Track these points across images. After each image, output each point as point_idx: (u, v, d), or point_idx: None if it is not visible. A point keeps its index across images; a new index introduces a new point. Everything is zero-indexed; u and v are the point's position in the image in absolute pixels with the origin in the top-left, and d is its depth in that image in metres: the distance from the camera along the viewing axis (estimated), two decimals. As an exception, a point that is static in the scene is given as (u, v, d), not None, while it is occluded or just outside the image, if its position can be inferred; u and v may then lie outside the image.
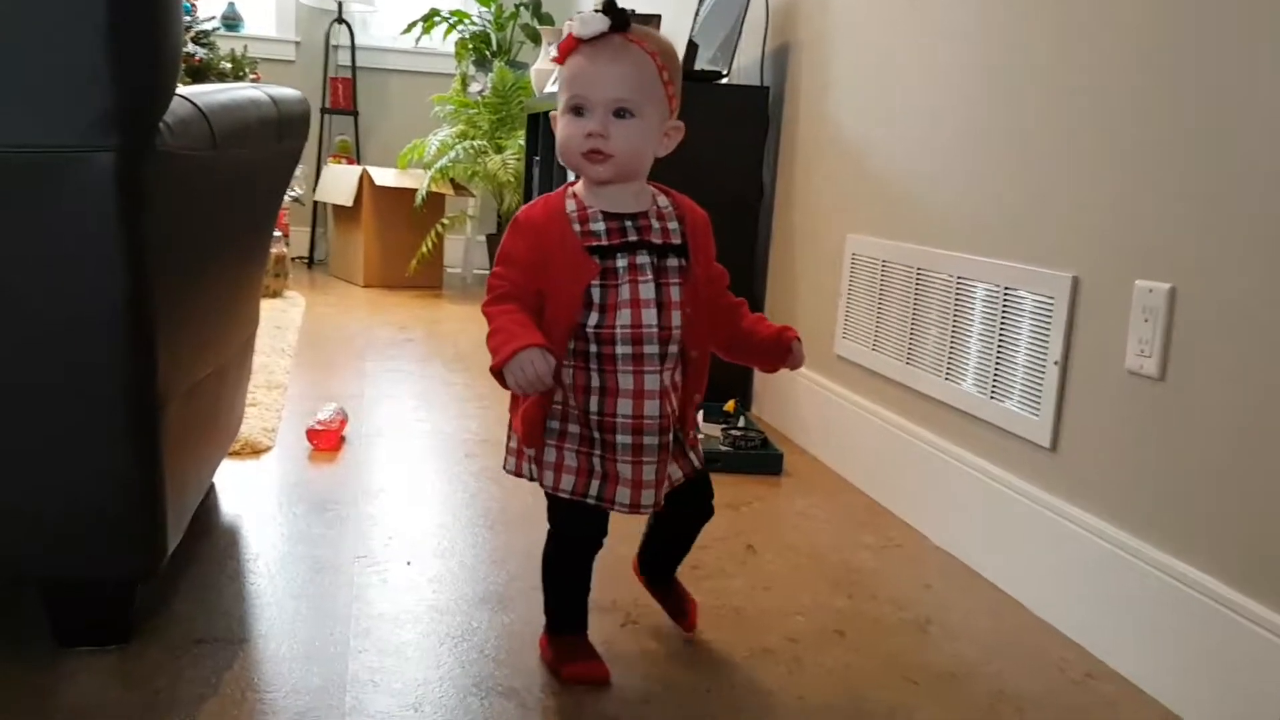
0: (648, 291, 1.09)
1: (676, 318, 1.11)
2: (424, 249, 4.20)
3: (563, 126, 1.10)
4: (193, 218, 1.22)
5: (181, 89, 1.21)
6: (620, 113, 1.07)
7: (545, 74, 3.67)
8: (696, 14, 2.83)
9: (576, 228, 1.10)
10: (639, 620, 1.33)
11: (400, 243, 4.34)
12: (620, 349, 1.09)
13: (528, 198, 3.80)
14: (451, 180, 4.28)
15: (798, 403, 2.28)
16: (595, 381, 1.10)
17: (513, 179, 4.16)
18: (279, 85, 1.65)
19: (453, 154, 4.15)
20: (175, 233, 1.15)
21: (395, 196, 4.32)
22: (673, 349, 1.12)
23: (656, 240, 1.11)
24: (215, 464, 1.57)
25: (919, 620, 1.41)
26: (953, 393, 1.70)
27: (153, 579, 1.24)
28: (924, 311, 1.80)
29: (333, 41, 4.87)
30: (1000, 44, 1.63)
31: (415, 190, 4.21)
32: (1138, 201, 1.31)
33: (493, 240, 4.59)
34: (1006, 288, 1.57)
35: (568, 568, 1.20)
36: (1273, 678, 1.08)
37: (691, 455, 1.20)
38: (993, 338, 1.60)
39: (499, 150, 4.25)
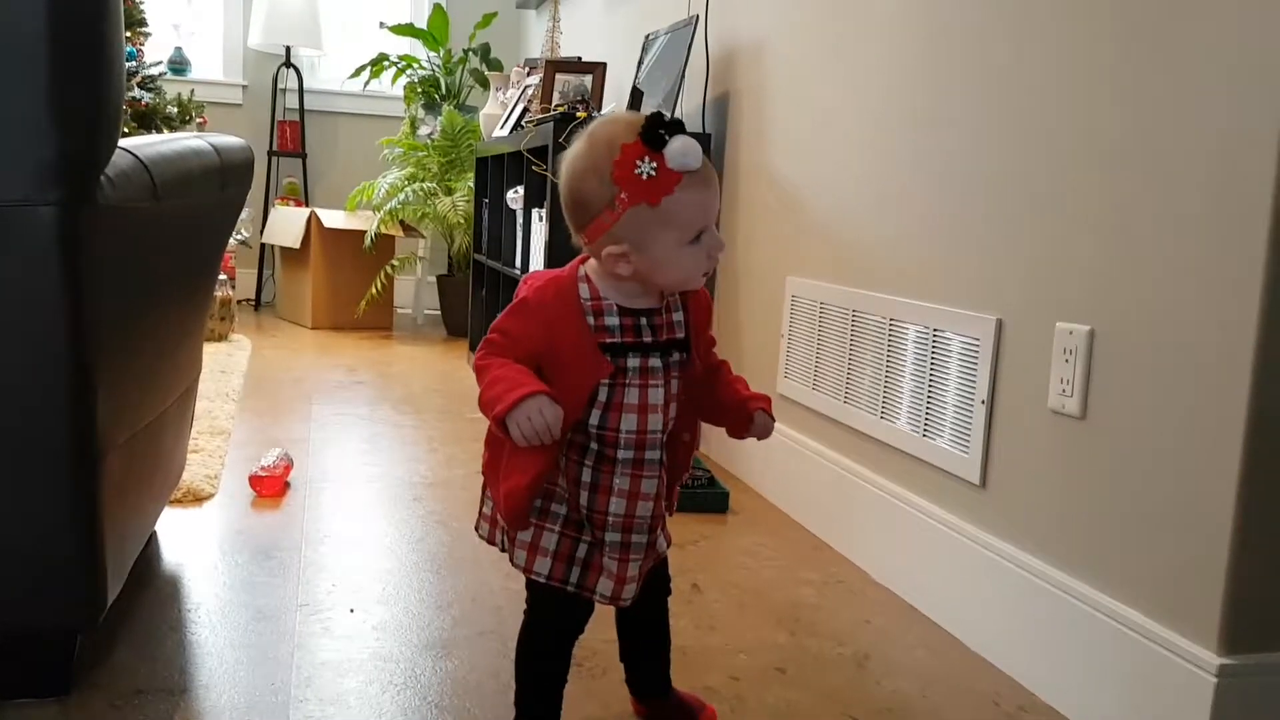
0: (656, 396, 1.03)
1: (673, 410, 1.06)
2: (374, 290, 4.21)
3: (673, 258, 1.00)
4: (134, 268, 1.23)
5: (123, 141, 1.23)
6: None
7: (494, 118, 3.71)
8: (640, 62, 2.89)
9: (590, 320, 1.02)
10: (584, 663, 1.34)
11: (349, 284, 4.34)
12: (622, 453, 1.03)
13: (477, 239, 3.83)
14: (401, 221, 4.30)
15: (745, 444, 2.31)
16: (589, 477, 1.03)
17: (463, 220, 4.19)
18: (227, 128, 1.67)
19: (402, 195, 4.17)
20: (116, 283, 1.16)
21: (344, 238, 4.32)
22: (663, 439, 1.06)
23: (665, 337, 1.05)
24: (156, 512, 1.56)
25: (858, 656, 1.44)
26: (888, 431, 1.74)
27: (93, 629, 1.23)
28: (860, 352, 1.85)
29: (281, 85, 4.89)
30: (923, 93, 1.69)
31: (364, 232, 4.22)
32: (1057, 246, 1.37)
33: (443, 281, 4.61)
34: (935, 329, 1.62)
35: (543, 655, 1.12)
36: (1193, 704, 1.12)
37: (665, 530, 1.13)
38: (924, 377, 1.65)
39: (449, 192, 4.27)
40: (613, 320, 1.02)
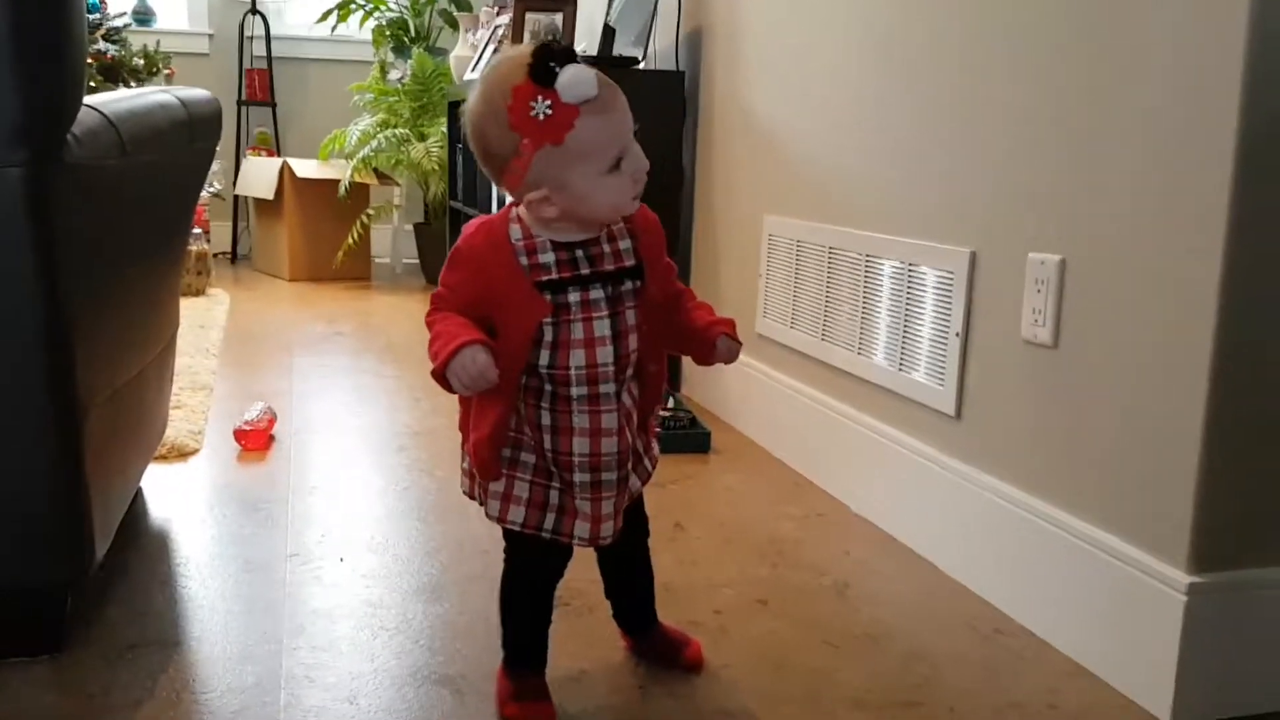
0: (602, 329, 1.01)
1: (633, 342, 1.04)
2: (350, 240, 4.18)
3: (596, 189, 0.98)
4: (105, 225, 1.22)
5: (89, 98, 1.21)
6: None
7: (464, 60, 3.66)
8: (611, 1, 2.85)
9: (523, 260, 1.00)
10: (570, 602, 1.37)
11: (325, 234, 4.30)
12: (575, 389, 1.01)
13: (453, 186, 3.80)
14: (375, 170, 4.26)
15: (724, 382, 2.33)
16: (548, 420, 1.03)
17: (437, 167, 4.15)
18: (194, 79, 1.65)
19: (375, 143, 4.13)
20: (88, 241, 1.15)
21: (318, 188, 4.28)
22: (629, 372, 1.05)
23: (609, 267, 1.02)
24: (141, 469, 1.57)
25: (838, 586, 1.48)
26: (865, 366, 1.76)
27: (82, 585, 1.24)
28: (837, 289, 1.86)
29: (247, 33, 4.79)
30: (896, 28, 1.68)
31: (338, 181, 4.18)
32: (1028, 179, 1.38)
33: (420, 229, 4.58)
34: (910, 264, 1.63)
35: (525, 600, 1.13)
36: (1163, 622, 1.16)
37: (646, 461, 1.14)
38: (900, 312, 1.66)
39: (421, 138, 4.23)
40: (547, 257, 1.00)
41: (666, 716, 1.14)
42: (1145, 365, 1.20)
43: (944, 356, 1.54)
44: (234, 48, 4.83)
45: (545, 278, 1.00)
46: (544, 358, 1.01)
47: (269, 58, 4.82)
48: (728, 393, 2.32)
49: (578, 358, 1.01)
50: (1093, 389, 1.28)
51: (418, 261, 4.71)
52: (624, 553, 1.19)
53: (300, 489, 1.81)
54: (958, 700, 1.18)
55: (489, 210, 3.19)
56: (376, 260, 4.77)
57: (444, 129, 4.05)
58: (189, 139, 1.52)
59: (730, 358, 1.10)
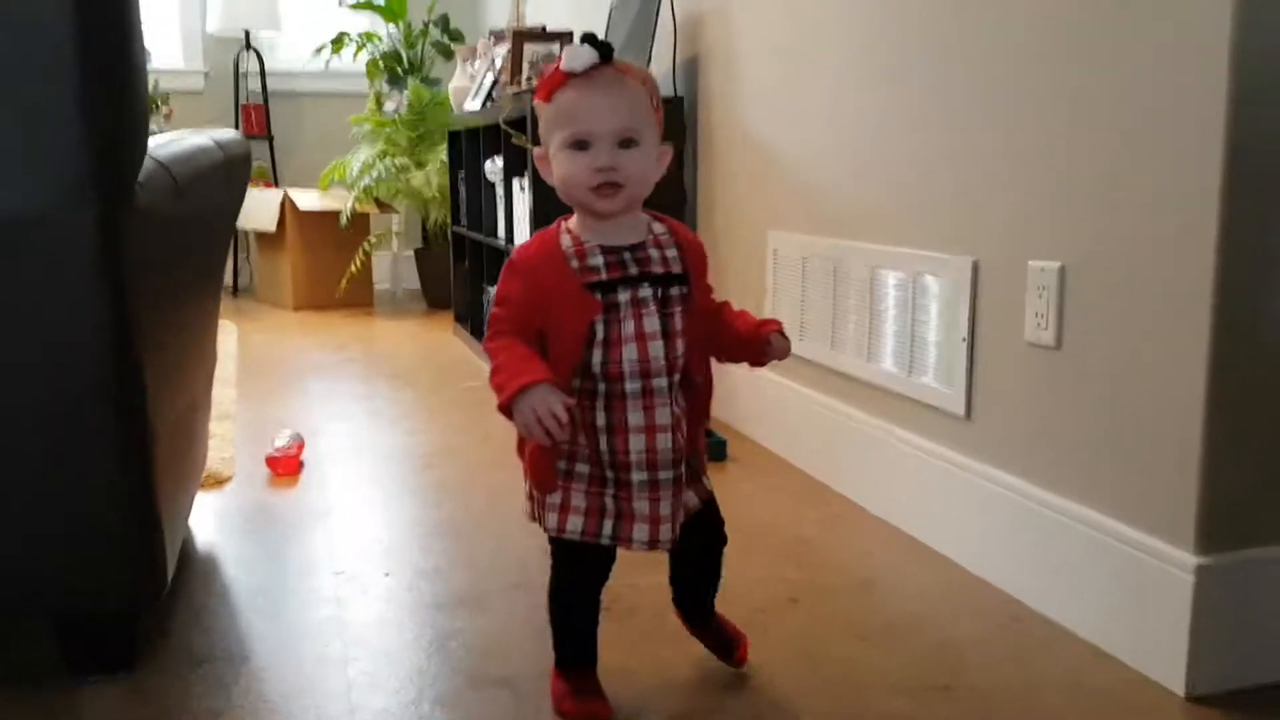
0: (652, 324, 1.07)
1: (681, 346, 1.09)
2: (354, 268, 4.25)
3: (563, 163, 1.07)
4: (165, 264, 1.29)
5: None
6: (626, 143, 1.06)
7: (463, 91, 3.75)
8: (607, 29, 2.94)
9: (574, 264, 1.07)
10: (611, 606, 1.44)
11: (326, 263, 4.38)
12: (629, 385, 1.06)
13: (455, 212, 3.88)
14: (375, 199, 4.33)
15: (737, 392, 2.41)
16: (603, 420, 1.07)
17: (438, 194, 4.23)
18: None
19: (375, 172, 4.21)
20: (152, 279, 1.22)
21: (318, 218, 4.36)
22: (677, 378, 1.10)
23: (658, 270, 1.09)
24: (194, 494, 1.64)
25: (863, 583, 1.55)
26: (875, 372, 1.84)
27: (150, 606, 1.31)
28: (844, 300, 1.95)
29: (242, 69, 4.87)
30: (893, 47, 1.77)
31: (338, 211, 4.25)
32: (1027, 189, 1.46)
33: (421, 255, 4.66)
34: (916, 274, 1.71)
35: (574, 603, 1.18)
36: (1173, 602, 1.23)
37: (703, 480, 1.19)
38: (907, 320, 1.74)
39: (420, 166, 4.31)
40: (596, 260, 1.07)
41: (716, 708, 1.20)
42: (1145, 361, 1.28)
43: (952, 360, 1.63)
44: (229, 84, 4.90)
45: (595, 279, 1.07)
46: (596, 356, 1.06)
47: (264, 92, 4.90)
48: (740, 403, 2.40)
49: (630, 351, 1.06)
50: (1096, 386, 1.36)
51: (418, 287, 4.79)
52: (701, 563, 1.25)
53: (335, 509, 1.87)
54: (986, 684, 1.26)
55: (494, 234, 3.27)
56: (377, 286, 4.85)
57: (444, 157, 4.13)
58: (227, 179, 1.59)
59: (783, 353, 1.16)
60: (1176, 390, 1.23)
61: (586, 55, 1.04)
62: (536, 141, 1.14)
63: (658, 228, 1.12)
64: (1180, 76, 1.20)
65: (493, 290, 3.14)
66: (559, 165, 1.08)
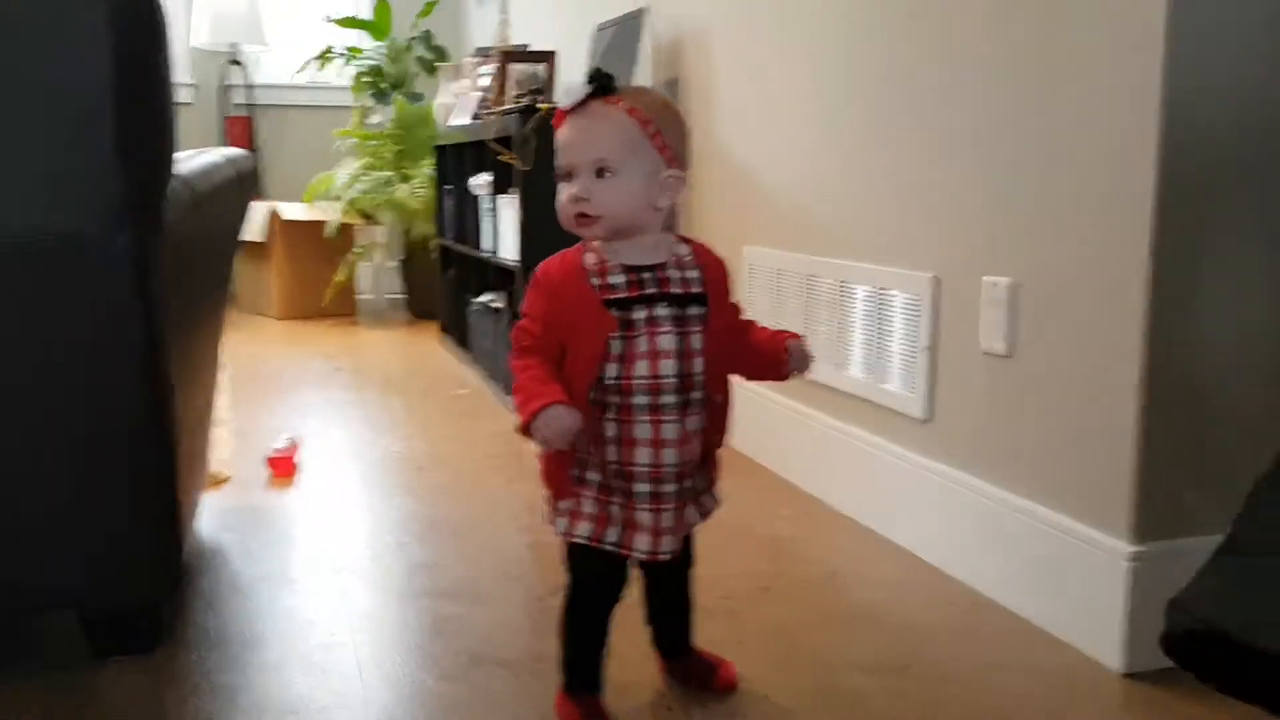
0: (667, 343, 1.10)
1: (699, 365, 1.12)
2: (341, 278, 4.35)
3: (558, 193, 1.13)
4: (185, 275, 1.39)
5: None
6: (601, 173, 1.09)
7: (447, 107, 3.86)
8: (593, 52, 3.06)
9: (595, 282, 1.10)
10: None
11: (311, 274, 4.47)
12: (637, 399, 1.10)
13: (440, 225, 3.98)
14: (360, 210, 4.43)
15: (711, 400, 2.52)
16: (613, 431, 1.11)
17: (421, 208, 4.34)
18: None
19: (360, 185, 4.30)
20: (176, 290, 1.32)
21: (305, 230, 4.45)
22: (696, 395, 1.13)
23: (677, 290, 1.12)
24: (200, 494, 1.73)
25: (831, 574, 1.67)
26: (842, 379, 1.97)
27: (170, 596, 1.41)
28: (815, 311, 2.07)
29: (227, 82, 4.96)
30: (863, 76, 1.90)
31: (323, 223, 4.35)
32: (982, 210, 1.59)
33: (405, 266, 4.75)
34: (881, 288, 1.84)
35: (585, 620, 1.20)
36: (1110, 586, 1.36)
37: (708, 497, 1.23)
38: (873, 330, 1.87)
39: (405, 180, 4.41)
40: (617, 279, 1.11)
41: (696, 694, 1.31)
42: (1086, 367, 1.41)
43: (914, 368, 1.75)
44: (215, 97, 4.99)
45: (614, 296, 1.11)
46: (612, 370, 1.10)
47: (250, 105, 4.98)
48: (715, 410, 2.51)
49: (641, 368, 1.10)
50: (1043, 390, 1.48)
51: (402, 296, 4.88)
52: (668, 586, 1.30)
53: (333, 508, 1.97)
54: (944, 664, 1.38)
55: (477, 246, 3.38)
56: (360, 297, 4.93)
57: (428, 171, 4.24)
58: (238, 193, 1.70)
59: (804, 363, 1.21)
60: (1113, 394, 1.36)
61: (575, 91, 1.10)
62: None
63: (681, 249, 1.16)
64: (1113, 102, 1.34)
65: (478, 301, 3.24)
66: (558, 195, 1.14)
